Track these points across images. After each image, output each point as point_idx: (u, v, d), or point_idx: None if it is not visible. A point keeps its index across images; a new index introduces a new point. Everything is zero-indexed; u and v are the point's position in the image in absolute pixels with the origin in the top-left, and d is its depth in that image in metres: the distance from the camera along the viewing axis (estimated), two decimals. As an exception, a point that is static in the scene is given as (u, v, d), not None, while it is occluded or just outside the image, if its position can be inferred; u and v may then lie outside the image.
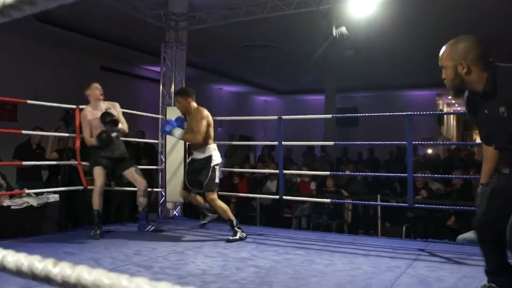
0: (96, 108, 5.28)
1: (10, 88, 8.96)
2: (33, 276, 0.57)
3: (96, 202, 5.16)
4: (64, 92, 9.34)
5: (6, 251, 0.63)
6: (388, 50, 10.45)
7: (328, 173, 7.44)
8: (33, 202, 5.37)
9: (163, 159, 7.05)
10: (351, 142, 8.79)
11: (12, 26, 7.41)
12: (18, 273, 0.59)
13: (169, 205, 7.29)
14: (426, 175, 6.95)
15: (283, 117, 5.96)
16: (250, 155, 9.93)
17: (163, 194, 7.01)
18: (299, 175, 8.52)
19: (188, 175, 5.29)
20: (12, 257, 0.61)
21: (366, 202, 7.35)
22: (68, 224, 6.86)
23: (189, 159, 5.41)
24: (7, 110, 9.87)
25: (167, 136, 6.54)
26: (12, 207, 5.19)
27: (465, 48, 2.47)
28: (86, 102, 5.40)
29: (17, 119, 9.59)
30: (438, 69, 2.61)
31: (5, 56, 9.48)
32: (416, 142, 6.17)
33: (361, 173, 7.07)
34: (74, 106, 5.64)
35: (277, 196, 6.08)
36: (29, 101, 5.57)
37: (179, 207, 7.45)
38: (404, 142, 5.43)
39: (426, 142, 6.82)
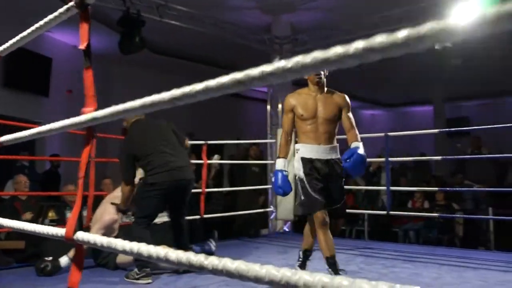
0: None
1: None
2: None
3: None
4: (179, 119, 10.03)
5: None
6: (500, 53, 10.00)
7: (436, 189, 7.35)
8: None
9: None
10: (459, 156, 8.50)
11: (131, 58, 8.17)
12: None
13: (279, 222, 7.64)
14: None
15: (389, 134, 5.94)
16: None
17: (273, 211, 7.33)
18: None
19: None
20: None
21: (475, 216, 7.16)
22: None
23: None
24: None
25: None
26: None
27: None
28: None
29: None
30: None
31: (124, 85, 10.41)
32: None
33: (470, 189, 6.89)
34: (203, 142, 6.13)
35: (385, 212, 6.08)
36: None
37: (289, 222, 7.74)
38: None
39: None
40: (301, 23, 8.49)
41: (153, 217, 4.17)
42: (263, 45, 8.53)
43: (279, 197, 6.94)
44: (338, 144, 3.73)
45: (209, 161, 6.46)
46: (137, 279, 3.84)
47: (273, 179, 3.70)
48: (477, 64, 10.25)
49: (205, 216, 6.07)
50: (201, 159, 6.17)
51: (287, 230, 7.75)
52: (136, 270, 3.87)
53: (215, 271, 0.93)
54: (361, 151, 3.46)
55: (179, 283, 3.83)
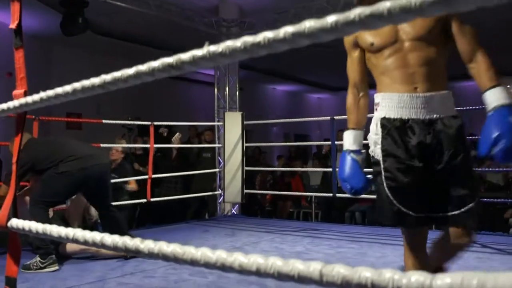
0: None
1: (75, 101, 9.51)
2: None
3: None
4: (125, 103, 9.85)
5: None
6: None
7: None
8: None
9: (221, 162, 7.35)
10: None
11: (74, 40, 7.94)
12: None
13: (227, 205, 7.66)
14: (482, 169, 6.93)
15: (335, 117, 5.97)
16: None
17: (221, 194, 7.32)
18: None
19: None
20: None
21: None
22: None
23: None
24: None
25: (226, 140, 6.87)
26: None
27: None
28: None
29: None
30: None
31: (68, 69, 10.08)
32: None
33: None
34: (149, 123, 6.06)
35: (331, 194, 6.14)
36: (104, 121, 5.93)
37: (237, 206, 7.77)
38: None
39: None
40: (249, 5, 8.43)
41: (51, 204, 4.13)
42: (210, 28, 8.44)
43: (227, 179, 6.90)
44: (450, 91, 2.08)
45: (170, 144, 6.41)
46: (43, 267, 3.74)
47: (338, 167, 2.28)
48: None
49: (152, 200, 6.04)
50: (164, 142, 6.10)
51: (235, 213, 7.77)
52: (39, 258, 3.75)
53: (151, 255, 0.93)
54: None
55: (127, 268, 3.78)
